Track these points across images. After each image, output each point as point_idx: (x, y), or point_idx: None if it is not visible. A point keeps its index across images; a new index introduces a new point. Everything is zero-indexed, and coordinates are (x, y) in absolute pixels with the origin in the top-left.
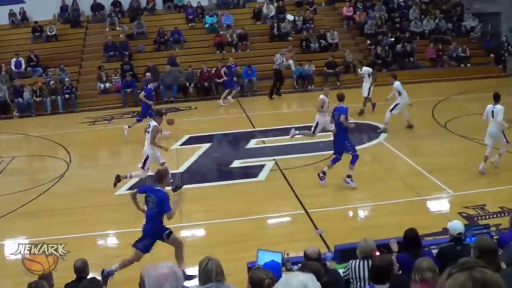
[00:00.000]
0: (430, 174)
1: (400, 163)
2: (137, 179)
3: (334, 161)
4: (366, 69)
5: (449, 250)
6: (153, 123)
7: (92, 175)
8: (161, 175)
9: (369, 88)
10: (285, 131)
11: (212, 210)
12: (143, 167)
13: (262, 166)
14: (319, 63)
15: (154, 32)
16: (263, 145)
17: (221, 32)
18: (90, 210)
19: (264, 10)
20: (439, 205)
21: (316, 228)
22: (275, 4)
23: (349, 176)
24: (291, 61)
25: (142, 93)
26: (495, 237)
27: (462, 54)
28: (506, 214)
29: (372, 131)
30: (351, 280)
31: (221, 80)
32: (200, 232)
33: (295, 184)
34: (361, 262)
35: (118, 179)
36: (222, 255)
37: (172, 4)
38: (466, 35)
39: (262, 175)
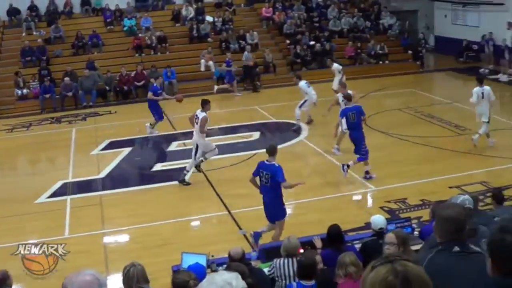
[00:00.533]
0: (352, 170)
1: (321, 160)
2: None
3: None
4: (336, 66)
5: (372, 244)
6: (201, 113)
7: (11, 184)
8: (274, 149)
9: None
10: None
11: (136, 215)
12: (195, 158)
13: (184, 169)
14: (239, 64)
15: (72, 36)
16: (185, 147)
17: (140, 35)
18: (9, 220)
19: (183, 12)
20: (361, 200)
21: (240, 228)
22: (194, 6)
23: (367, 172)
24: (210, 62)
25: (150, 94)
26: (416, 229)
27: (380, 52)
28: (427, 206)
29: (292, 130)
30: (276, 279)
31: (141, 83)
32: (124, 238)
33: (218, 185)
34: (286, 260)
35: (184, 182)
36: (146, 259)
37: (90, 7)
38: (384, 33)
39: (185, 178)
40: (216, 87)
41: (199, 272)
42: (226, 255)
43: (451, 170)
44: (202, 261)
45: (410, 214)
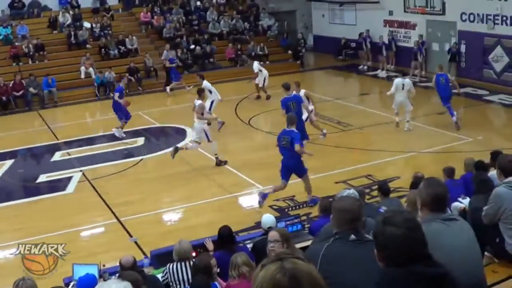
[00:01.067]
0: (239, 171)
1: (207, 162)
2: None
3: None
4: (256, 65)
5: (263, 243)
6: (197, 101)
7: None
8: (293, 120)
9: (264, 79)
10: (90, 141)
11: (22, 228)
12: (209, 141)
13: (69, 178)
14: (120, 69)
15: None
16: (69, 156)
17: (16, 44)
18: None
19: (60, 18)
20: (250, 200)
21: (130, 236)
22: (71, 12)
23: None
24: (91, 69)
25: (116, 95)
26: (306, 226)
27: (261, 53)
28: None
29: (177, 134)
30: (171, 284)
31: (20, 93)
32: (13, 252)
33: (105, 193)
34: (179, 265)
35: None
36: None
37: None
38: (264, 34)
39: (71, 188)
40: (168, 88)
41: (90, 283)
42: (118, 264)
43: (336, 166)
44: (94, 271)
45: (299, 211)
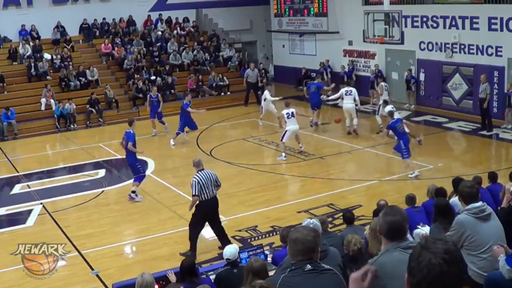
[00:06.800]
0: None
1: (169, 194)
2: None
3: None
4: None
5: (226, 274)
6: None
7: None
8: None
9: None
10: (50, 173)
11: None
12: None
13: (30, 211)
14: (81, 101)
15: None
16: (29, 189)
17: None
18: None
19: (20, 50)
20: (212, 231)
21: (92, 269)
22: (31, 44)
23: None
24: (51, 101)
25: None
26: (269, 256)
27: (221, 83)
28: (277, 232)
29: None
30: None
31: None
32: None
33: (66, 226)
34: None
35: None
36: None
37: None
38: (224, 65)
39: (31, 221)
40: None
41: None
42: None
43: (298, 195)
44: None
45: (262, 241)
